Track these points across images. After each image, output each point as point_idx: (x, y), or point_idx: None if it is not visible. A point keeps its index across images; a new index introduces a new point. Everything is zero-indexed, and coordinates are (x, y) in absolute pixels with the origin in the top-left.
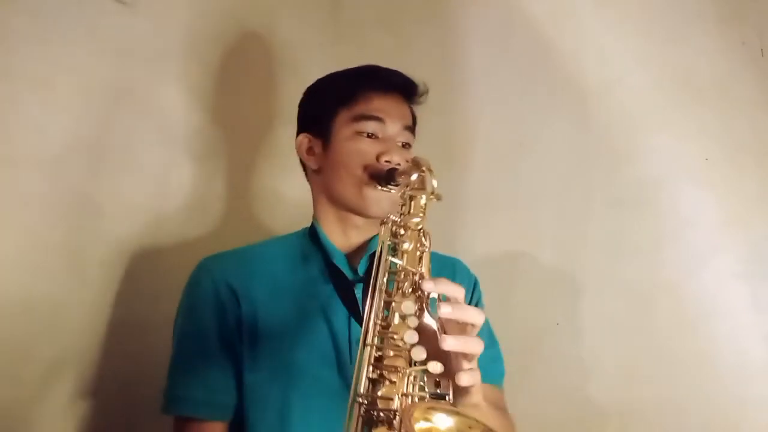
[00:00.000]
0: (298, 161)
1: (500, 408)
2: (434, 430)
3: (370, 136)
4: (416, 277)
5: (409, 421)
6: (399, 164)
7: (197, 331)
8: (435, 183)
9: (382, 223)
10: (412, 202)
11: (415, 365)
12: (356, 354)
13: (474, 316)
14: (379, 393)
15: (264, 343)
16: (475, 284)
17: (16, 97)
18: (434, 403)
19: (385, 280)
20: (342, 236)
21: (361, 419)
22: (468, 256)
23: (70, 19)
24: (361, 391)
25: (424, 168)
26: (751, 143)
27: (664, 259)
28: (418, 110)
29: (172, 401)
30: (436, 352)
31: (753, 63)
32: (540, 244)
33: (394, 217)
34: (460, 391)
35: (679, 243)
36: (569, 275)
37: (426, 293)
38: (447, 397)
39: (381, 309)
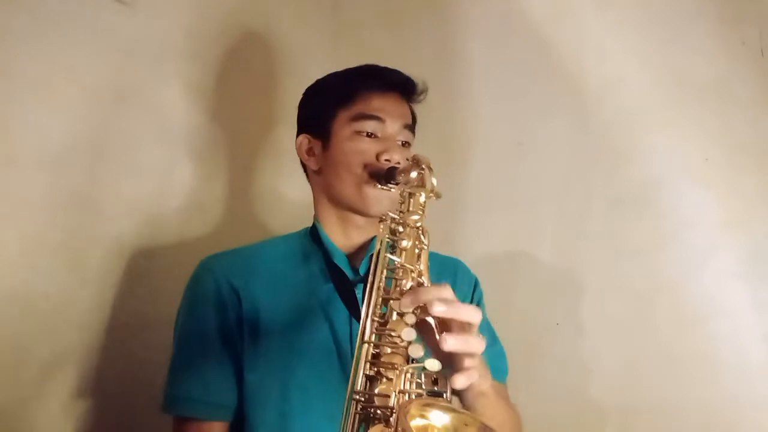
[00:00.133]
0: (298, 161)
1: (505, 398)
2: (430, 426)
3: (369, 135)
4: (414, 275)
5: (405, 417)
6: (399, 163)
7: (198, 330)
8: (435, 181)
9: (381, 220)
10: (412, 200)
11: (412, 363)
12: (359, 334)
13: (469, 314)
14: (376, 390)
15: (265, 342)
16: (476, 284)
17: (16, 97)
18: (431, 400)
19: (383, 277)
20: (343, 236)
21: (357, 417)
22: (468, 256)
23: (70, 19)
24: (358, 388)
25: (423, 166)
26: (751, 143)
27: (664, 259)
28: (418, 110)
29: (173, 401)
30: (436, 351)
31: (753, 63)
32: (540, 244)
33: (393, 215)
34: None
35: (679, 243)
36: (569, 275)
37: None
38: (444, 395)
39: (379, 306)
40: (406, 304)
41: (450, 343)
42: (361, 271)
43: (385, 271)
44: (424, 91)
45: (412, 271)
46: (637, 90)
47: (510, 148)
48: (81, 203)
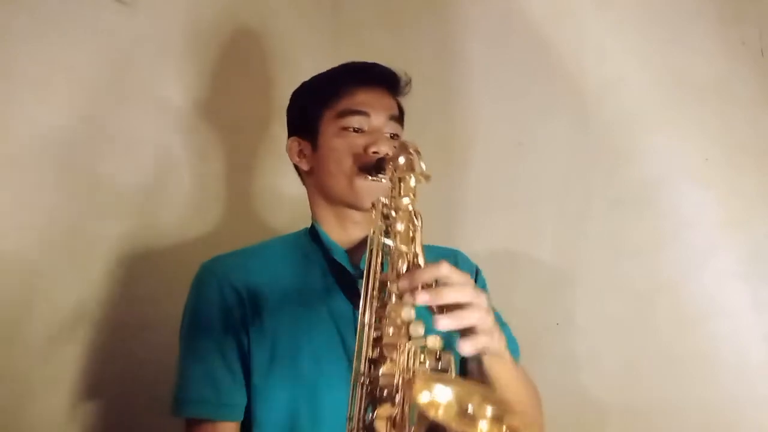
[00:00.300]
0: None
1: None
2: (435, 401)
3: (356, 130)
4: (410, 257)
5: (411, 392)
6: (387, 153)
7: (204, 333)
8: (423, 165)
9: (373, 206)
10: (402, 184)
11: (414, 341)
12: (359, 317)
13: (456, 296)
14: (381, 371)
15: (270, 342)
16: (477, 273)
17: (16, 97)
18: (434, 374)
19: (379, 261)
20: (342, 233)
21: (364, 399)
22: (468, 257)
23: (70, 19)
24: (362, 371)
25: (411, 150)
26: (751, 143)
27: (664, 259)
28: (417, 110)
29: (183, 403)
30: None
31: (753, 63)
32: (540, 244)
33: (384, 200)
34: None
35: (679, 243)
36: (569, 275)
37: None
38: (448, 371)
39: (377, 290)
40: (404, 287)
41: (443, 323)
42: (362, 266)
43: (381, 255)
44: (408, 82)
45: (407, 254)
46: (637, 90)
47: (510, 148)
48: (81, 203)
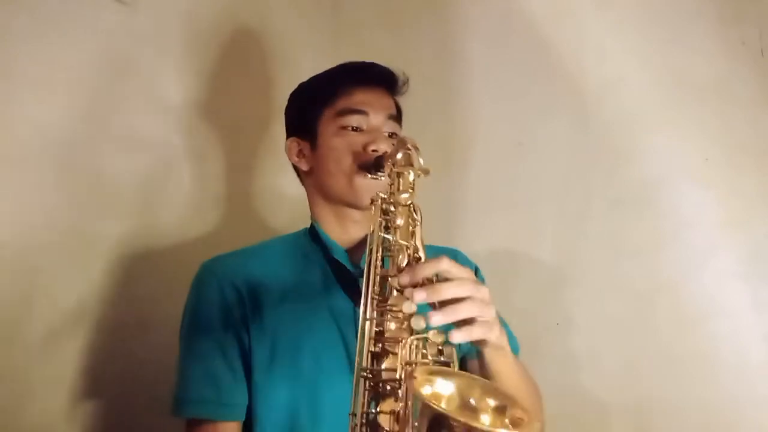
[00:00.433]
0: None
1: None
2: (437, 393)
3: (355, 129)
4: (410, 251)
5: (413, 384)
6: (386, 152)
7: (205, 333)
8: (422, 160)
9: (372, 202)
10: (401, 179)
11: (416, 335)
12: (360, 312)
13: (454, 290)
14: (383, 366)
15: (271, 342)
16: (476, 271)
17: (16, 97)
18: (436, 367)
19: (380, 256)
20: (341, 232)
21: (367, 394)
22: (468, 257)
23: (70, 19)
24: (364, 365)
25: (409, 145)
26: (751, 143)
27: (664, 259)
28: (417, 110)
29: (184, 403)
30: None
31: (753, 63)
32: (540, 244)
33: (383, 195)
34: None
35: (679, 243)
36: (569, 275)
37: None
38: (450, 364)
39: (378, 285)
40: (405, 282)
41: (435, 319)
42: (362, 265)
43: (381, 250)
44: (406, 82)
45: (407, 248)
46: (637, 90)
47: (510, 148)
48: (81, 203)
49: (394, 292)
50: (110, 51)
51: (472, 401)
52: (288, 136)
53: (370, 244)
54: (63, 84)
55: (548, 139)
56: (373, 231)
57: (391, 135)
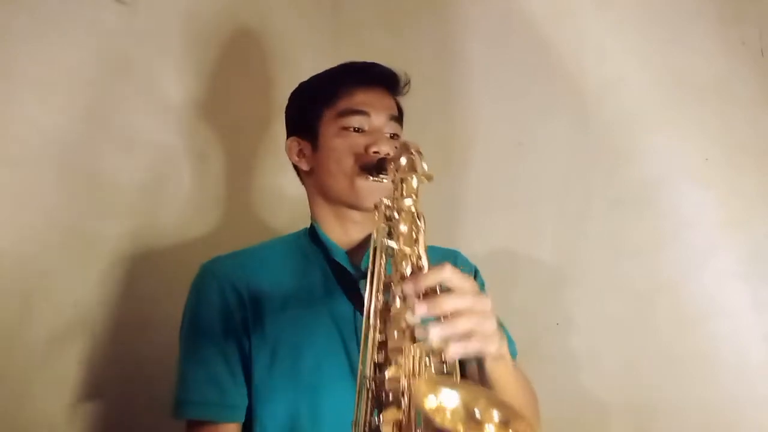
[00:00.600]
0: None
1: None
2: (441, 405)
3: (356, 130)
4: (413, 258)
5: (417, 397)
6: (388, 153)
7: (205, 335)
8: (425, 165)
9: (375, 207)
10: (404, 185)
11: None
12: (364, 321)
13: (454, 302)
14: (386, 375)
15: (271, 343)
16: (476, 274)
17: (16, 97)
18: (440, 379)
19: (383, 263)
20: (342, 233)
21: (370, 402)
22: (468, 256)
23: (70, 19)
24: (368, 374)
25: (413, 151)
26: (751, 143)
27: (664, 259)
28: (417, 110)
29: (184, 405)
30: None
31: (753, 63)
32: (540, 244)
33: (386, 201)
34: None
35: (679, 243)
36: (569, 275)
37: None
38: (453, 374)
39: (381, 292)
40: (408, 291)
41: (434, 332)
42: (363, 267)
43: (384, 257)
44: (407, 82)
45: (410, 255)
46: (637, 90)
47: (510, 148)
48: (81, 204)
49: (397, 300)
50: (110, 51)
51: (477, 413)
52: (288, 135)
53: (373, 251)
54: (63, 84)
55: (548, 139)
56: (376, 238)
57: (393, 136)
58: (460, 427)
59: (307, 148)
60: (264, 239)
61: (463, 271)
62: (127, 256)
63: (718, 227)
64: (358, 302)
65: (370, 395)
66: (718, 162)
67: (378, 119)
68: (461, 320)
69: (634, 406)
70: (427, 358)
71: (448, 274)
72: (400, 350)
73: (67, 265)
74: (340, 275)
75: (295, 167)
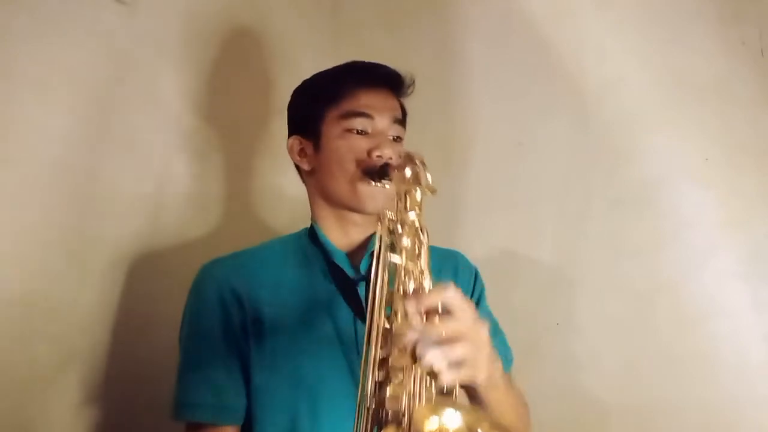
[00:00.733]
0: None
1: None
2: (443, 427)
3: (360, 132)
4: (416, 273)
5: (418, 420)
6: (391, 158)
7: (204, 338)
8: (429, 177)
9: (379, 220)
10: (408, 198)
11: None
12: (363, 352)
13: (450, 328)
14: (386, 394)
15: (270, 346)
16: (476, 276)
17: (16, 97)
18: (442, 400)
19: (385, 279)
20: (342, 235)
21: (369, 420)
22: (468, 256)
23: (70, 19)
24: (368, 392)
25: (417, 162)
26: (751, 143)
27: (664, 259)
28: (419, 110)
29: (183, 407)
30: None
31: (753, 63)
32: (540, 244)
33: (390, 215)
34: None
35: (679, 243)
36: (569, 275)
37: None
38: (454, 394)
39: (383, 308)
40: (410, 310)
41: (428, 356)
42: (362, 269)
43: (386, 272)
44: (412, 83)
45: (412, 271)
46: (637, 90)
47: (510, 148)
48: (81, 204)
49: (398, 316)
50: (110, 51)
51: None
52: (290, 134)
53: (375, 267)
54: (63, 84)
55: (548, 139)
56: (379, 253)
57: (396, 138)
58: None
59: (309, 147)
60: (264, 239)
61: (463, 272)
62: (127, 256)
63: (718, 227)
64: (356, 306)
65: (369, 413)
66: (718, 162)
67: (381, 122)
68: (456, 347)
69: (634, 406)
70: (428, 377)
71: (450, 295)
72: (400, 368)
73: (66, 266)
74: (340, 278)
75: (297, 166)
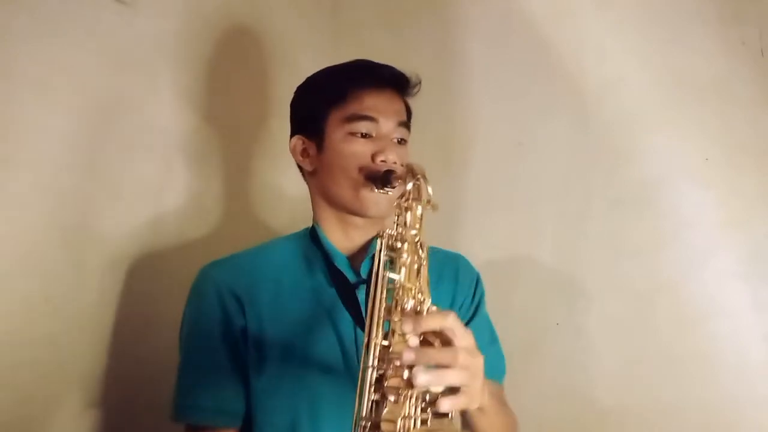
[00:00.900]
0: None
1: (502, 402)
2: None
3: (363, 136)
4: (414, 291)
5: None
6: (395, 163)
7: (204, 340)
8: (430, 190)
9: (379, 236)
10: (408, 213)
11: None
12: (362, 357)
13: (445, 357)
14: (382, 415)
15: (270, 349)
16: (478, 281)
17: (16, 97)
18: (437, 424)
19: (383, 296)
20: (343, 237)
21: None
22: (468, 257)
23: (70, 19)
24: (364, 413)
25: (419, 176)
26: (751, 143)
27: (664, 259)
28: (418, 110)
29: (183, 409)
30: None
31: (753, 63)
32: (540, 245)
33: (390, 231)
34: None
35: (679, 243)
36: (569, 275)
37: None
38: (449, 415)
39: (381, 326)
40: (408, 330)
41: (421, 379)
42: (363, 272)
43: (385, 290)
44: (418, 84)
45: (411, 289)
46: (637, 90)
47: (510, 148)
48: (81, 204)
49: (396, 334)
50: (110, 51)
51: None
52: (293, 133)
53: (374, 285)
54: (63, 84)
55: (548, 139)
56: (378, 270)
57: (400, 141)
58: None
59: (311, 148)
60: (264, 239)
61: (464, 277)
62: (127, 256)
63: (718, 227)
64: (356, 311)
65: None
66: (718, 162)
67: (386, 125)
68: (451, 374)
69: (634, 406)
70: (426, 396)
71: (450, 323)
72: (396, 389)
73: (67, 265)
74: (340, 283)
75: (299, 166)
